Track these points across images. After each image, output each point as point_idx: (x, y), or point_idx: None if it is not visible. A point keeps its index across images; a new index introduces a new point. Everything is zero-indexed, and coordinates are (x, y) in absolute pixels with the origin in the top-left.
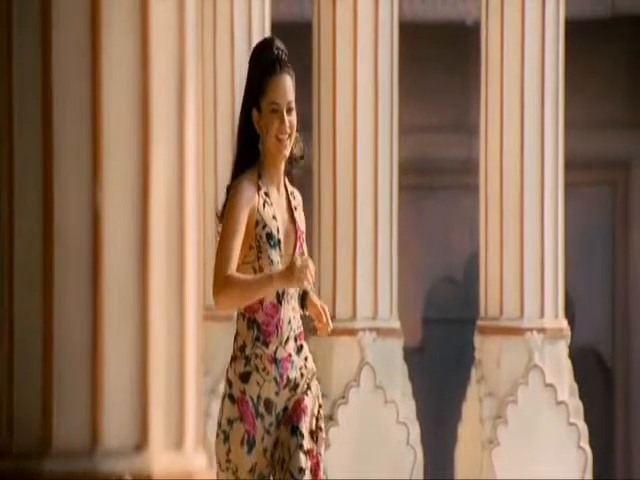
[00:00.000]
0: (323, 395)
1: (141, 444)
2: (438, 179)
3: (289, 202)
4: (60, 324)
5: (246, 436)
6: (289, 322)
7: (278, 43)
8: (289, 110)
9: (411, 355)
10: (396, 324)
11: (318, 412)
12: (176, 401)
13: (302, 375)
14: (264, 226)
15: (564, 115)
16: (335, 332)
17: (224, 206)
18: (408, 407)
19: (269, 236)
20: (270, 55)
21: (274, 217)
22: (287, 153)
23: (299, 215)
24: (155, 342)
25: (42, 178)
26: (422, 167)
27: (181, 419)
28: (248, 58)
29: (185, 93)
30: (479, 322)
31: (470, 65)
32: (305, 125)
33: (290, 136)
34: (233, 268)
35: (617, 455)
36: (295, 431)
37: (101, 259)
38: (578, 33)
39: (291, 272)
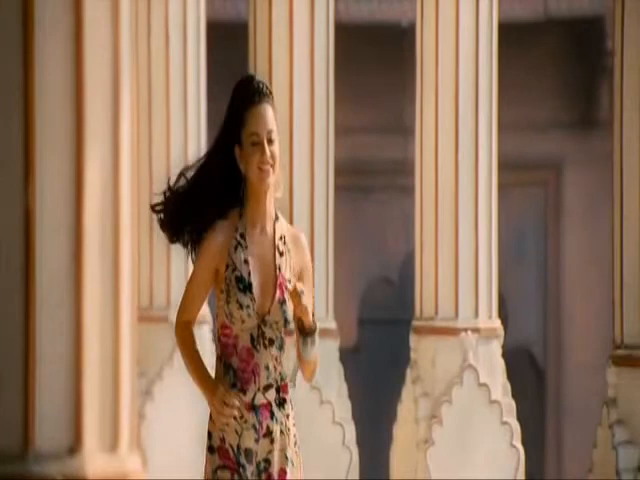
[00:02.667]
0: None
1: (74, 446)
2: (374, 180)
3: (275, 246)
4: None
5: (236, 476)
6: (267, 369)
7: (259, 78)
8: (270, 141)
9: (347, 355)
10: (332, 325)
11: None
12: (110, 403)
13: (282, 432)
14: (234, 269)
15: (497, 116)
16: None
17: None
18: (344, 407)
19: (238, 279)
20: (250, 88)
21: (246, 261)
22: (270, 182)
23: (285, 261)
24: (89, 343)
25: None
26: (358, 168)
27: (115, 421)
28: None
29: (120, 92)
30: (414, 322)
31: (405, 66)
32: None
33: (273, 167)
34: (191, 317)
35: (548, 453)
36: None
37: (33, 259)
38: (511, 36)
39: (218, 398)
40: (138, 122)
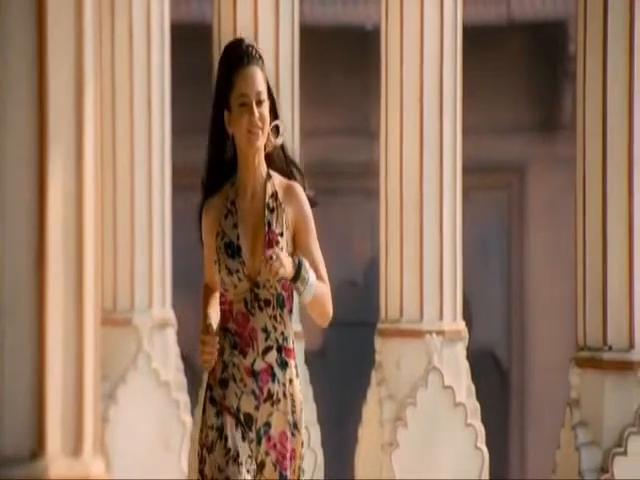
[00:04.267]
0: None
1: (37, 451)
2: (339, 183)
3: (265, 204)
4: None
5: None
6: (266, 331)
7: (248, 41)
8: (259, 102)
9: (312, 358)
10: (297, 327)
11: (301, 453)
12: (74, 407)
13: (285, 395)
14: (223, 237)
15: (461, 119)
16: None
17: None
18: (309, 410)
19: (227, 245)
20: (239, 51)
21: (235, 225)
22: (260, 145)
23: (276, 216)
24: (52, 347)
25: None
26: (323, 171)
27: (79, 425)
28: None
29: (83, 96)
30: (379, 325)
31: (370, 69)
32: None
33: (262, 129)
34: (210, 279)
35: (512, 454)
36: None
37: None
38: (475, 39)
39: (200, 343)
40: (101, 125)
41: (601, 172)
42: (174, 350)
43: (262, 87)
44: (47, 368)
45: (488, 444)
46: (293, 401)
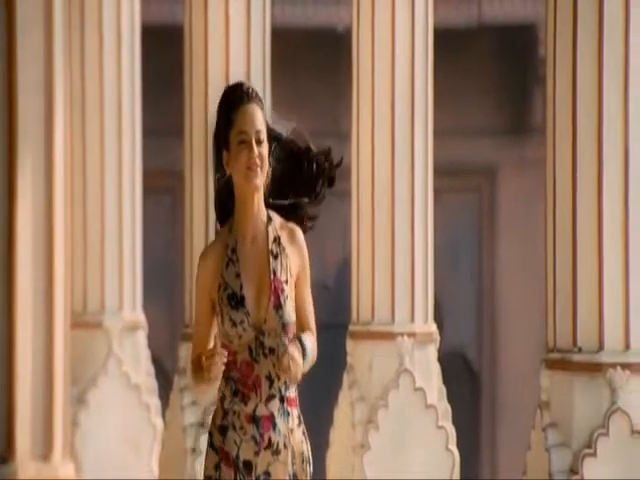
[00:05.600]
0: (195, 402)
1: (7, 455)
2: None
3: (269, 250)
4: None
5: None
6: (269, 379)
7: (248, 84)
8: (259, 142)
9: None
10: None
11: None
12: (43, 411)
13: (286, 446)
14: (225, 288)
15: (432, 122)
16: None
17: None
18: None
19: (230, 297)
20: (238, 91)
21: (237, 275)
22: (258, 184)
23: (280, 262)
24: (21, 351)
25: None
26: None
27: (48, 429)
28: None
29: (53, 98)
30: (351, 327)
31: (341, 71)
32: (179, 130)
33: (261, 167)
34: (204, 346)
35: (482, 456)
36: None
37: None
38: (446, 41)
39: (200, 363)
40: (72, 127)
41: (571, 174)
42: (145, 353)
43: (262, 127)
44: (16, 372)
45: (459, 446)
46: (294, 452)
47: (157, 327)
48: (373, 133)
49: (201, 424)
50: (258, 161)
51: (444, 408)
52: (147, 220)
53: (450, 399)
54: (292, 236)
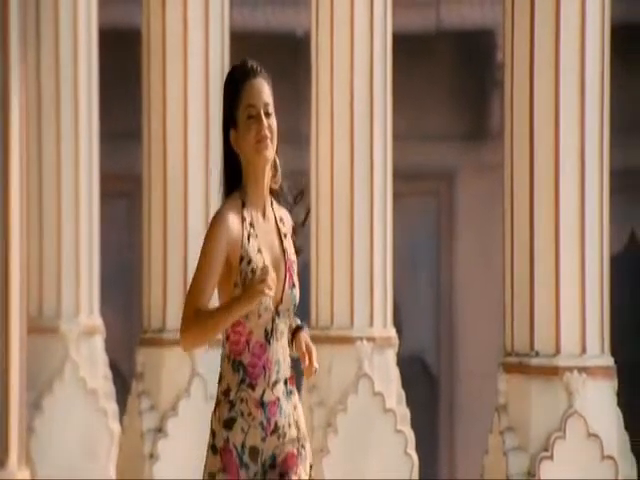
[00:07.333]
0: (152, 407)
1: None
2: None
3: (278, 229)
4: None
5: None
6: (278, 363)
7: (252, 61)
8: (267, 114)
9: None
10: None
11: (310, 474)
12: None
13: (290, 425)
14: (249, 262)
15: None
16: (165, 343)
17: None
18: None
19: (254, 272)
20: (244, 67)
21: (259, 250)
22: (269, 155)
23: (289, 243)
24: None
25: None
26: None
27: (4, 435)
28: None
29: (9, 99)
30: (310, 331)
31: (300, 76)
32: (136, 134)
33: (271, 140)
34: (204, 303)
35: (441, 459)
36: (284, 478)
37: None
38: (405, 46)
39: (251, 285)
40: (28, 130)
41: (529, 179)
42: (102, 358)
43: (269, 100)
44: None
45: (418, 450)
46: (298, 427)
47: (114, 331)
48: (332, 137)
49: (159, 429)
50: (268, 133)
51: (403, 412)
52: (104, 224)
53: (409, 403)
54: (288, 220)
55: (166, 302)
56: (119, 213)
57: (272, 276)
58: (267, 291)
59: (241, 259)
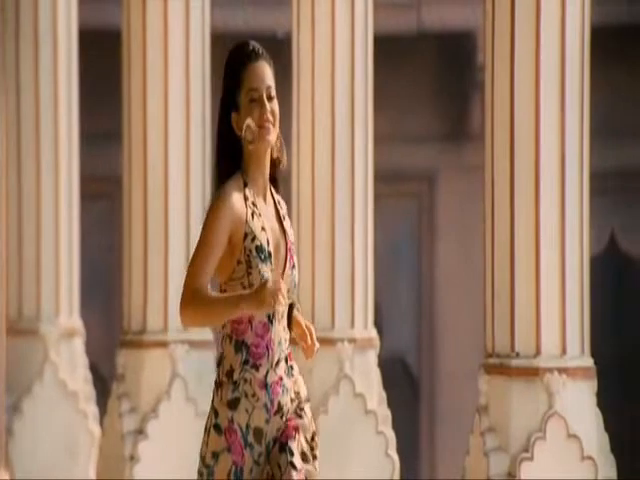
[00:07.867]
0: (133, 409)
1: None
2: None
3: (277, 211)
4: None
5: (234, 468)
6: (280, 343)
7: (253, 42)
8: (270, 98)
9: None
10: (209, 336)
11: (312, 438)
12: None
13: (292, 400)
14: (253, 238)
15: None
16: (145, 344)
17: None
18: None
19: (259, 249)
20: (245, 49)
21: (263, 228)
22: (272, 140)
23: (288, 225)
24: None
25: None
26: None
27: None
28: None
29: None
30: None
31: (281, 77)
32: (117, 135)
33: (273, 124)
34: (204, 282)
35: (422, 460)
36: (284, 448)
37: None
38: (386, 48)
39: (262, 295)
40: (7, 132)
41: (509, 181)
42: (82, 360)
43: (272, 83)
44: None
45: (399, 451)
46: (299, 399)
47: (94, 333)
48: (313, 139)
49: (139, 431)
50: (271, 117)
51: (384, 414)
52: (84, 225)
53: (389, 404)
54: (285, 204)
55: (146, 304)
56: (99, 214)
57: (283, 290)
58: (277, 307)
59: (245, 236)
